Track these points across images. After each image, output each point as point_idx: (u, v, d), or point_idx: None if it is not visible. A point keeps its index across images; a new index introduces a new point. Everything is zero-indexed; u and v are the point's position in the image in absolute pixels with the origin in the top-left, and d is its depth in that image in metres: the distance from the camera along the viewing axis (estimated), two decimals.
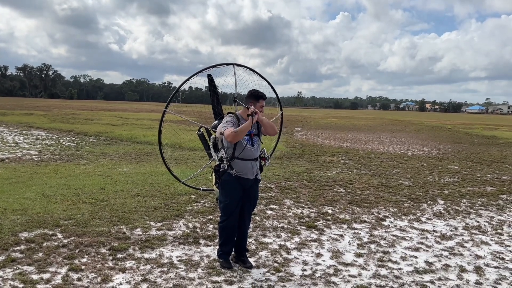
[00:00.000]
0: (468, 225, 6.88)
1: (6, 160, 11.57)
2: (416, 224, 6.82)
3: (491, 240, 6.19)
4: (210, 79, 5.49)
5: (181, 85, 5.31)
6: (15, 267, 4.45)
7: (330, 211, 7.34)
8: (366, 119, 55.77)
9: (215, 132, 5.04)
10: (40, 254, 4.82)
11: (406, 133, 31.12)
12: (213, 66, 5.41)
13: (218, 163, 4.83)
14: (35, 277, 4.25)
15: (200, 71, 5.35)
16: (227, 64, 5.48)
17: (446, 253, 5.54)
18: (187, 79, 5.28)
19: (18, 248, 4.97)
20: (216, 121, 5.29)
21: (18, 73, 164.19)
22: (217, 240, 5.16)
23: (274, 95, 6.05)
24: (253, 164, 4.74)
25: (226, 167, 4.68)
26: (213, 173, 4.91)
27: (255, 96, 4.75)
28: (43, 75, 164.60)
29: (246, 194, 4.77)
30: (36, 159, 12.00)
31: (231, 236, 4.82)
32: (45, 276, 4.29)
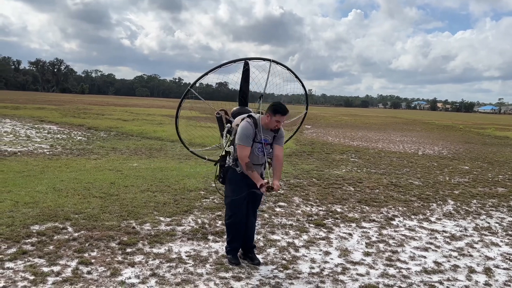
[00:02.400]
0: (478, 226, 6.83)
1: (19, 153, 11.71)
2: (425, 224, 6.78)
3: (501, 241, 6.14)
4: (246, 67, 5.28)
5: (211, 70, 5.05)
6: (26, 259, 4.51)
7: (339, 210, 7.33)
8: (376, 118, 55.46)
9: (233, 120, 4.95)
10: (51, 247, 4.88)
11: (417, 132, 30.91)
12: (250, 59, 5.16)
13: (224, 155, 4.81)
14: (45, 269, 4.31)
15: (234, 61, 5.02)
16: (264, 59, 5.27)
17: (455, 254, 5.50)
18: (219, 66, 4.94)
19: (29, 240, 5.04)
20: (237, 108, 5.18)
21: (31, 68, 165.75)
22: (225, 237, 5.17)
23: (301, 92, 5.97)
24: (258, 168, 4.70)
25: (231, 165, 4.69)
26: (218, 167, 4.89)
27: (273, 109, 4.56)
28: (55, 70, 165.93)
29: (251, 190, 4.77)
30: (47, 153, 12.13)
31: (239, 232, 4.81)
32: (56, 268, 4.34)
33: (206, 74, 5.07)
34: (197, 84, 5.19)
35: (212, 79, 5.43)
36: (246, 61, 5.21)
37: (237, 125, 4.68)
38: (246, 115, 4.75)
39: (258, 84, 5.28)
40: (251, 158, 4.59)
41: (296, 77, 5.64)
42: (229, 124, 4.96)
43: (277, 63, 5.34)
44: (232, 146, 4.71)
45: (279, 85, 5.06)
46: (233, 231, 4.79)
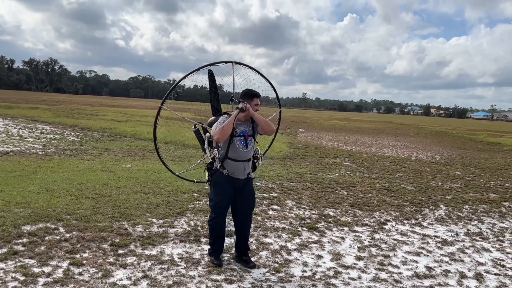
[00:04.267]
0: (469, 231, 6.87)
1: (11, 153, 11.63)
2: (417, 229, 6.81)
3: (492, 247, 6.18)
4: (210, 74, 5.43)
5: (178, 82, 5.24)
6: (17, 260, 4.48)
7: (331, 213, 7.34)
8: (370, 122, 55.68)
9: (210, 129, 5.02)
10: (42, 248, 4.85)
11: (410, 137, 31.05)
12: (212, 64, 5.34)
13: (211, 161, 4.85)
14: (36, 270, 4.28)
15: (198, 68, 5.25)
16: (226, 62, 5.41)
17: (446, 259, 5.53)
18: (185, 76, 5.22)
19: (20, 241, 5.01)
20: (213, 118, 5.24)
21: (25, 67, 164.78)
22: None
23: (275, 95, 6.01)
24: (245, 165, 4.74)
25: (218, 167, 4.69)
26: (206, 171, 4.92)
27: (249, 94, 4.73)
28: (49, 70, 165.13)
29: (240, 193, 4.77)
30: (40, 153, 12.05)
31: (221, 234, 4.86)
32: (47, 269, 4.32)
33: (173, 88, 5.16)
34: (188, 83, 5.26)
35: (206, 81, 5.48)
36: (210, 70, 5.32)
37: None
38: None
39: (231, 86, 5.35)
40: (236, 155, 4.64)
41: (263, 76, 5.67)
42: (208, 134, 4.99)
43: (240, 63, 5.42)
44: (215, 150, 4.74)
45: (249, 87, 5.07)
46: (215, 233, 4.83)
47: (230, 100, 5.11)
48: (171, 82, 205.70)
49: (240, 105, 4.48)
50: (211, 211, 4.84)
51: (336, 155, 16.00)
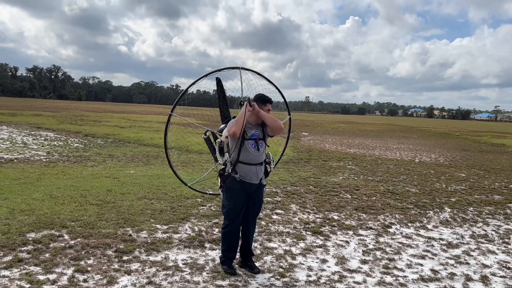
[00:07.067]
0: (474, 234, 6.84)
1: (15, 160, 11.67)
2: (422, 232, 6.79)
3: (498, 249, 6.14)
4: (218, 81, 5.44)
5: (187, 88, 5.27)
6: (22, 267, 4.49)
7: (336, 217, 7.33)
8: (373, 125, 55.59)
9: (221, 135, 5.03)
10: (47, 255, 4.86)
11: (413, 139, 30.98)
12: (220, 70, 5.36)
13: (223, 167, 4.84)
14: (41, 277, 4.29)
15: (206, 75, 5.29)
16: (233, 68, 5.43)
17: (452, 262, 5.51)
18: (194, 83, 5.24)
19: (25, 248, 5.02)
20: (223, 125, 5.27)
21: (28, 74, 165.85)
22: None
23: (282, 100, 6.00)
24: (258, 169, 4.72)
25: (230, 171, 4.69)
26: (218, 177, 4.91)
27: (261, 99, 4.74)
28: (52, 76, 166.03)
29: (250, 198, 4.76)
30: (44, 160, 12.09)
31: (234, 241, 4.82)
32: (52, 276, 4.32)
33: (181, 96, 5.16)
34: (195, 88, 5.26)
35: (210, 86, 5.49)
36: (217, 77, 5.33)
37: (227, 137, 4.71)
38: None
39: (239, 91, 5.34)
40: (248, 158, 4.62)
41: (272, 84, 5.66)
42: (219, 139, 4.97)
43: (247, 69, 5.43)
44: (227, 154, 4.72)
45: (256, 92, 5.08)
46: (229, 240, 4.78)
47: (238, 105, 5.11)
48: (174, 87, 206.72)
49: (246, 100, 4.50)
50: (224, 218, 4.82)
51: (339, 158, 15.99)
